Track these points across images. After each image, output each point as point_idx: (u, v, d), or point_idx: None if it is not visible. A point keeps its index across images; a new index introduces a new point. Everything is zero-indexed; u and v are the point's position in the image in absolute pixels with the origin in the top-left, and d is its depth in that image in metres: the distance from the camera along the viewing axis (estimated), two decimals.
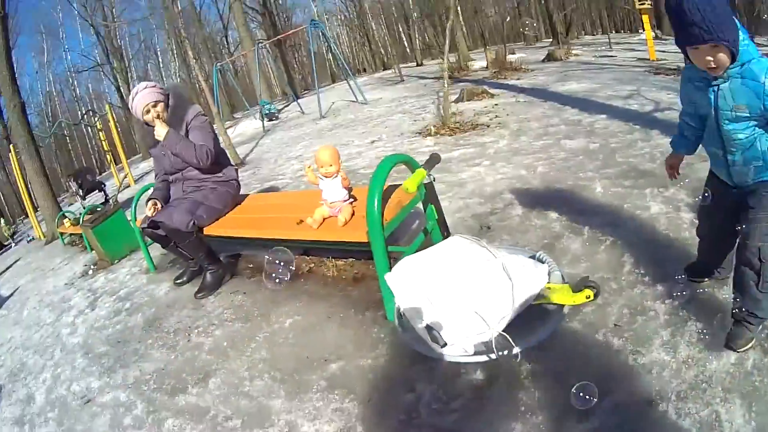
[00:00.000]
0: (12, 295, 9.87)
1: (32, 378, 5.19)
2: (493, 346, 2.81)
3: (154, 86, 5.07)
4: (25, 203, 19.37)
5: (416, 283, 3.10)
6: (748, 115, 2.59)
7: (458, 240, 3.33)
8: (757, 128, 2.64)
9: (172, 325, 4.91)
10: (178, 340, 4.62)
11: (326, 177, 4.20)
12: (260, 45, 27.18)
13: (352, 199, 4.30)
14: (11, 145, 17.82)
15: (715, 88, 2.64)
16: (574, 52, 21.33)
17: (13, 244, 12.96)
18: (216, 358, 4.16)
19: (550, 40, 32.96)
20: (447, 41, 12.05)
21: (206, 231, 5.08)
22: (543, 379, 2.95)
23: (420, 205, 4.34)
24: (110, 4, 42.96)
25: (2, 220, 12.46)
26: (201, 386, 3.87)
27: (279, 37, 34.78)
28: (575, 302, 3.02)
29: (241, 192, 5.74)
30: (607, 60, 17.40)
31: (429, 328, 2.95)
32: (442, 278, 3.03)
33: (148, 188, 6.42)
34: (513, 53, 22.15)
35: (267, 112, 23.60)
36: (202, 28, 42.22)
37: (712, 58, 2.47)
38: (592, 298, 3.00)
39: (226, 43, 54.30)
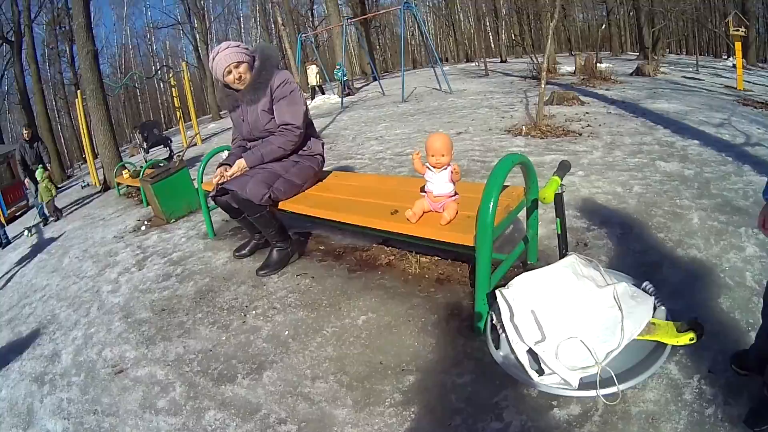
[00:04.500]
0: (56, 239, 9.78)
1: (62, 334, 4.93)
2: (597, 382, 2.65)
3: (238, 46, 4.71)
4: (85, 149, 19.56)
5: (528, 302, 2.95)
6: None
7: (576, 260, 3.18)
8: None
9: (227, 302, 4.52)
10: (231, 320, 4.23)
11: (435, 167, 3.76)
12: (349, 21, 27.08)
13: (457, 195, 3.85)
14: (78, 92, 17.97)
15: None
16: (661, 69, 20.85)
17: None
18: (274, 347, 3.75)
19: (637, 53, 32.54)
20: (549, 41, 11.76)
21: (281, 205, 4.71)
22: (637, 422, 2.68)
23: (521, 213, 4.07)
24: None
25: (43, 174, 12.11)
26: (253, 378, 3.48)
27: (369, 15, 35.00)
28: (678, 343, 2.82)
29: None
30: (695, 83, 16.95)
31: (531, 353, 2.78)
32: (556, 304, 2.93)
33: (220, 150, 6.13)
34: (600, 62, 21.63)
35: (339, 77, 23.85)
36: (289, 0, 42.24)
37: None
38: (695, 341, 2.81)
39: (311, 15, 54.64)
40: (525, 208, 4.02)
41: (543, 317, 2.87)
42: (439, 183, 3.77)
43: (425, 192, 3.89)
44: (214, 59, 4.64)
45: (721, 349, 3.00)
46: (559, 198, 3.37)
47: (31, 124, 28.63)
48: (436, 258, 4.60)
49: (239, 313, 4.28)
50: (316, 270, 4.77)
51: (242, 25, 57.06)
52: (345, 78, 24.52)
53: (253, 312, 4.24)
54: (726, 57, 34.08)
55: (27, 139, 13.31)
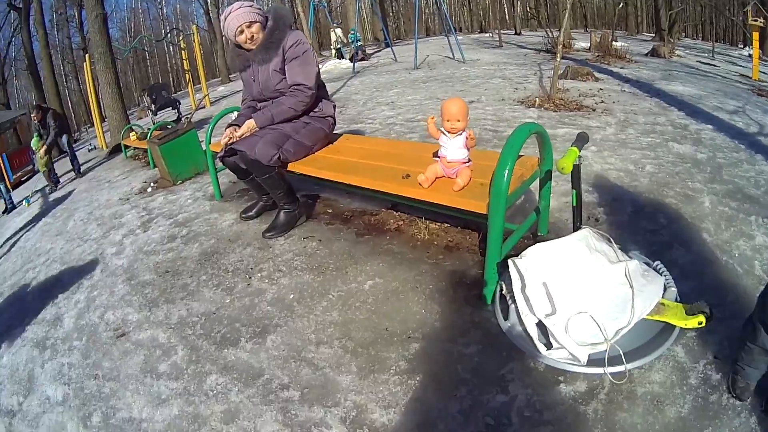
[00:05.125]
0: (61, 202, 9.74)
1: (64, 298, 4.88)
2: (605, 360, 2.69)
3: (251, 5, 4.63)
4: (93, 112, 19.42)
5: (541, 274, 2.93)
6: None
7: (589, 234, 3.17)
8: None
9: (232, 264, 4.48)
10: (236, 282, 4.18)
11: (449, 132, 3.68)
12: None
13: (471, 162, 3.78)
14: (86, 56, 18.04)
15: None
16: (677, 52, 20.73)
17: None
18: (279, 311, 3.71)
19: (653, 35, 32.39)
20: (567, 15, 11.71)
21: (291, 167, 4.66)
22: (642, 403, 2.67)
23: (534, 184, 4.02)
24: None
25: (38, 144, 12.10)
26: (257, 342, 3.45)
27: None
28: (687, 326, 2.85)
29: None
30: (710, 68, 16.85)
31: (541, 326, 2.78)
32: (568, 277, 2.92)
33: (229, 111, 6.07)
34: (616, 40, 21.52)
35: (353, 41, 23.83)
36: None
37: None
38: (704, 324, 2.83)
39: None
40: (538, 179, 3.95)
41: (555, 290, 2.85)
42: (454, 148, 3.71)
43: (438, 157, 3.82)
44: (226, 19, 4.59)
45: (727, 336, 2.99)
46: (576, 169, 3.31)
47: (39, 89, 28.56)
48: (446, 225, 4.56)
49: (244, 276, 4.24)
50: (324, 233, 4.73)
51: None
52: (359, 43, 24.51)
53: (259, 274, 4.20)
54: (742, 46, 33.83)
55: (38, 120, 13.18)
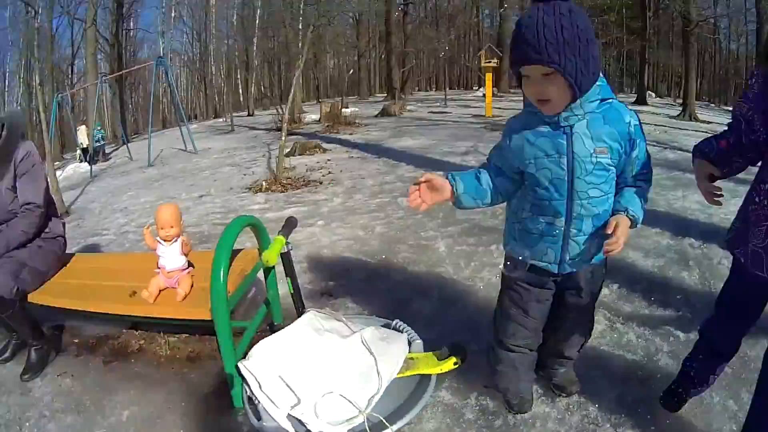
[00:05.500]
0: None
1: None
2: (367, 429, 2.62)
3: None
4: None
5: (274, 369, 2.93)
6: (608, 161, 2.35)
7: (314, 316, 3.21)
8: (610, 184, 2.43)
9: (2, 416, 4.19)
10: None
11: (165, 241, 3.87)
12: (104, 78, 26.37)
13: (190, 268, 3.99)
14: None
15: (568, 129, 2.32)
16: (408, 107, 21.88)
17: None
18: None
19: (384, 95, 33.78)
20: (293, 90, 12.25)
21: (30, 298, 4.44)
22: None
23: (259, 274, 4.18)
24: None
25: None
26: None
27: (125, 71, 34.27)
28: (443, 370, 2.89)
29: (67, 249, 5.13)
30: (442, 117, 17.91)
31: (292, 418, 2.74)
32: (304, 363, 2.92)
33: None
34: (347, 107, 22.43)
35: (96, 140, 23.17)
36: (52, 53, 40.19)
37: (543, 88, 2.19)
38: (460, 364, 2.88)
39: (71, 72, 52.36)
40: (262, 270, 4.06)
41: (293, 381, 2.84)
42: (171, 257, 3.87)
43: (159, 268, 3.92)
44: None
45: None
46: (286, 257, 3.37)
47: None
48: (185, 336, 4.61)
49: (15, 427, 4.02)
50: (75, 367, 4.56)
51: (6, 82, 53.19)
52: (103, 142, 23.91)
53: (27, 424, 4.00)
54: (477, 88, 36.19)
55: None
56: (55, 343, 4.87)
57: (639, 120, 2.37)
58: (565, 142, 2.33)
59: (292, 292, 3.41)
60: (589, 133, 2.30)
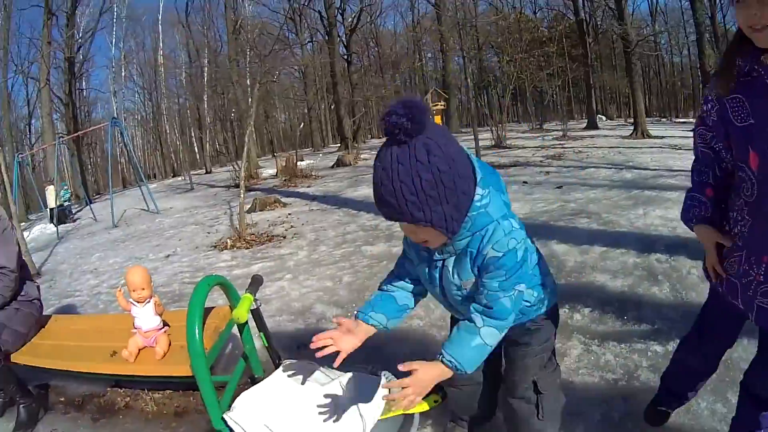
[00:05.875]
0: None
1: None
2: None
3: None
4: None
5: (258, 418, 2.97)
6: (475, 287, 2.19)
7: (291, 366, 3.24)
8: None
9: None
10: None
11: (138, 302, 3.95)
12: (61, 139, 26.16)
13: (166, 327, 4.07)
14: None
15: (439, 263, 2.25)
16: (362, 156, 22.07)
17: None
18: None
19: (338, 145, 33.94)
20: (246, 147, 12.23)
21: (13, 358, 4.50)
22: None
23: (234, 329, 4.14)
24: None
25: None
26: None
27: (81, 132, 33.99)
28: (423, 409, 2.87)
29: (43, 311, 5.10)
30: None
31: None
32: (286, 411, 2.94)
33: None
34: (302, 159, 22.60)
35: (63, 198, 22.78)
36: (9, 112, 39.61)
37: (417, 236, 2.07)
38: (440, 401, 2.83)
39: (28, 132, 51.92)
40: (236, 326, 3.91)
41: (278, 428, 2.87)
42: (146, 318, 3.95)
43: (136, 328, 3.99)
44: None
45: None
46: (256, 313, 3.43)
47: None
48: (169, 391, 4.60)
49: None
50: (64, 424, 4.53)
51: None
52: (70, 203, 23.67)
53: None
54: None
55: None
56: (43, 401, 4.87)
57: (509, 250, 2.05)
58: (438, 275, 2.28)
59: (267, 345, 3.50)
60: (457, 269, 2.19)
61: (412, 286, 2.56)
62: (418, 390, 2.12)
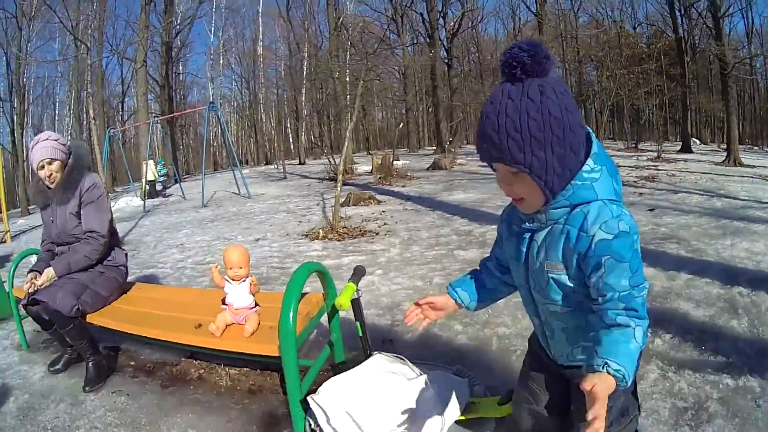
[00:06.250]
0: None
1: None
2: None
3: (57, 140, 4.62)
4: None
5: (342, 405, 2.97)
6: (566, 281, 1.89)
7: (381, 359, 3.27)
8: (574, 305, 1.95)
9: (50, 421, 4.21)
10: None
11: (234, 280, 3.90)
12: (155, 119, 26.74)
13: (257, 306, 4.00)
14: None
15: (529, 235, 2.00)
16: (458, 161, 21.90)
17: None
18: None
19: (434, 147, 33.81)
20: (346, 142, 12.37)
21: (89, 318, 4.58)
22: None
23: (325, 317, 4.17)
24: (28, 37, 40.56)
25: None
26: None
27: (177, 114, 34.81)
28: (503, 414, 2.91)
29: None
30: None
31: None
32: (370, 402, 2.93)
33: (30, 253, 5.69)
34: (398, 159, 22.54)
35: (160, 173, 23.60)
36: (102, 89, 40.74)
37: (512, 187, 1.84)
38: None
39: (121, 109, 53.75)
40: (326, 313, 4.09)
41: (360, 417, 2.86)
42: (239, 295, 3.91)
43: (226, 305, 3.97)
44: (32, 148, 4.58)
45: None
46: (356, 303, 3.42)
47: None
48: (246, 369, 4.63)
49: None
50: (130, 386, 4.58)
51: (56, 111, 54.01)
52: (165, 178, 24.39)
53: None
54: None
55: None
56: (112, 362, 4.96)
57: (621, 232, 1.72)
58: (525, 250, 2.02)
59: (361, 335, 3.50)
60: (545, 245, 1.92)
61: (500, 274, 2.39)
62: (604, 404, 1.53)
